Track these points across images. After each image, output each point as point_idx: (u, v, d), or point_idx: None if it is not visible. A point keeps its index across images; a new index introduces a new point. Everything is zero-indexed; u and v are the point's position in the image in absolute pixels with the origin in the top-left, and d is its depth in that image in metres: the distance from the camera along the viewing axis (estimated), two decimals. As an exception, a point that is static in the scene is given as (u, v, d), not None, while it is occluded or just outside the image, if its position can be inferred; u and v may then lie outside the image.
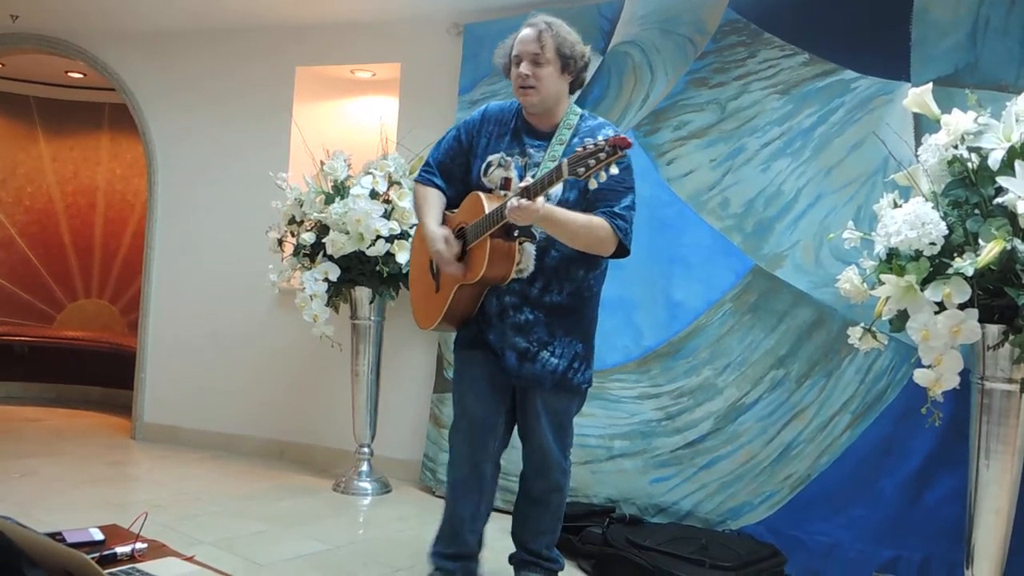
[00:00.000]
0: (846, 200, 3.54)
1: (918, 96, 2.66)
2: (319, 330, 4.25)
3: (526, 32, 2.73)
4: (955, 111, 2.51)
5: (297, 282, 4.39)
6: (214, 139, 5.40)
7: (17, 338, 6.65)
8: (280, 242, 4.53)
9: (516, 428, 2.93)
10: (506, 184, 2.65)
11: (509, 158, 2.72)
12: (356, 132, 5.31)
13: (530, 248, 2.65)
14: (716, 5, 3.93)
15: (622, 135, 2.31)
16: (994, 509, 2.51)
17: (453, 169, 2.88)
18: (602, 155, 2.30)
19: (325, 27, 5.10)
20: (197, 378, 5.36)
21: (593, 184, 2.35)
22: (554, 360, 2.73)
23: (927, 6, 3.42)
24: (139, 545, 2.28)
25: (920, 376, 2.42)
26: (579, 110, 2.81)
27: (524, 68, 2.69)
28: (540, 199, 2.44)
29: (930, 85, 2.66)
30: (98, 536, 2.34)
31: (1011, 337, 2.38)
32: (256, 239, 4.79)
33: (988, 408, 2.51)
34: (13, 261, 6.96)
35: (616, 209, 2.65)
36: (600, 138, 2.33)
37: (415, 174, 4.29)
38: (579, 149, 2.35)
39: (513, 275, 2.65)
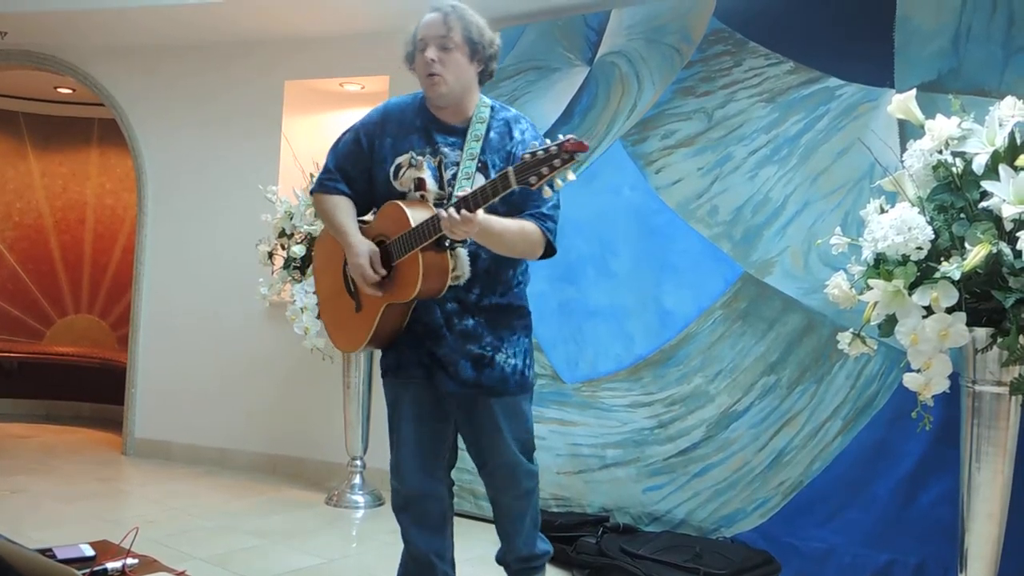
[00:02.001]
0: (833, 206, 3.55)
1: (902, 102, 2.67)
2: (310, 343, 4.25)
3: (431, 15, 2.52)
4: (939, 116, 2.53)
5: (288, 295, 4.39)
6: (203, 153, 5.40)
7: (7, 354, 6.63)
8: (270, 255, 4.53)
9: (469, 455, 2.73)
10: (420, 185, 2.44)
11: (420, 157, 2.48)
12: (345, 144, 5.31)
13: (463, 253, 2.45)
14: (701, 15, 3.95)
15: (577, 139, 2.11)
16: (986, 512, 2.51)
17: (355, 175, 2.64)
18: (556, 161, 2.12)
19: (313, 41, 5.11)
20: (188, 393, 5.34)
21: (548, 193, 2.18)
22: (512, 360, 2.57)
23: (910, 13, 3.44)
24: (130, 561, 2.28)
25: (909, 380, 2.42)
26: (489, 100, 2.61)
27: (431, 53, 2.48)
28: (480, 211, 2.26)
29: (914, 91, 2.67)
30: (89, 552, 2.34)
31: (999, 340, 2.38)
32: (246, 252, 4.79)
33: (978, 411, 2.51)
34: (2, 277, 6.95)
35: (544, 210, 2.49)
36: (549, 142, 2.14)
37: (310, 185, 4.28)
38: (526, 156, 2.16)
39: (449, 283, 2.45)
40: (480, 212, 2.26)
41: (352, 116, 5.44)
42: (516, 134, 2.56)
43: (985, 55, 3.28)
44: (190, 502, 4.32)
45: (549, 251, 2.55)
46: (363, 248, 2.50)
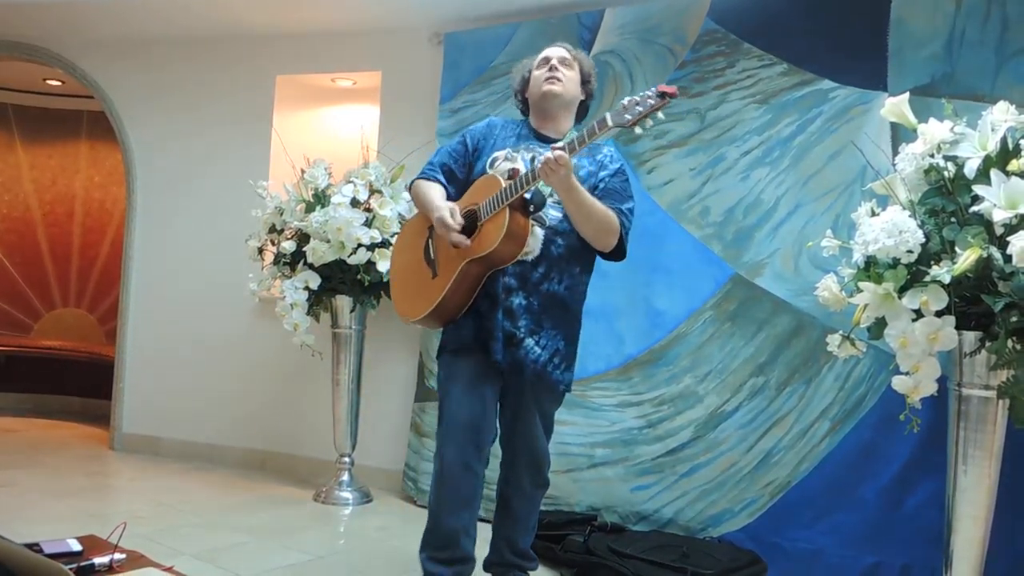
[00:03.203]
0: (824, 209, 3.57)
1: (895, 106, 2.68)
2: (300, 339, 4.24)
3: (557, 47, 2.93)
4: (932, 121, 2.54)
5: (277, 291, 4.38)
6: (194, 147, 5.38)
7: (-7, 348, 6.60)
8: (260, 251, 4.51)
9: (501, 442, 2.91)
10: (513, 174, 2.63)
11: (516, 153, 2.77)
12: (337, 141, 5.31)
13: (539, 232, 2.68)
14: (695, 15, 3.95)
15: (668, 85, 2.38)
16: (972, 515, 2.53)
17: (456, 170, 2.92)
18: (651, 101, 2.35)
19: (305, 36, 5.10)
20: (176, 388, 5.32)
21: (638, 131, 2.41)
22: (537, 349, 2.73)
23: (904, 17, 3.46)
24: (117, 556, 2.27)
25: (898, 383, 2.43)
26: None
27: (556, 62, 2.85)
28: (573, 159, 2.50)
29: (907, 95, 2.68)
30: (76, 547, 2.33)
31: (988, 344, 2.40)
32: (236, 248, 4.77)
33: (966, 414, 2.52)
34: (-10, 270, 6.91)
35: (623, 207, 2.74)
36: (647, 91, 2.39)
37: (396, 182, 4.33)
38: (623, 103, 2.40)
39: (520, 256, 2.64)
40: (573, 160, 2.50)
41: (344, 112, 5.50)
42: (605, 150, 2.87)
43: (978, 60, 3.30)
44: (178, 498, 4.31)
45: (620, 250, 2.77)
46: (444, 203, 2.74)
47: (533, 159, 2.71)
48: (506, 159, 2.75)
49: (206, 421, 5.25)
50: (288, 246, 4.29)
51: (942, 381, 2.45)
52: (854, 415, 3.44)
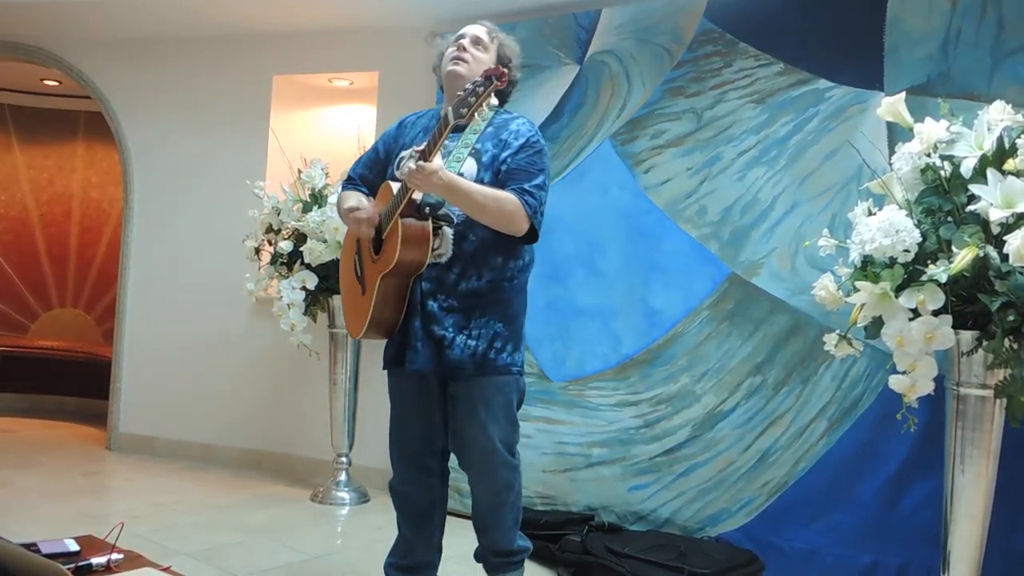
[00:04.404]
0: (821, 208, 3.57)
1: (891, 105, 2.68)
2: (297, 339, 4.24)
3: (477, 25, 2.81)
4: (928, 120, 2.54)
5: (274, 291, 4.38)
6: (191, 147, 5.37)
7: (-10, 348, 6.58)
8: (257, 251, 4.52)
9: (451, 446, 2.78)
10: None
11: (419, 149, 2.53)
12: (334, 140, 5.31)
13: (448, 232, 2.58)
14: (692, 15, 3.95)
15: (498, 67, 2.35)
16: (969, 514, 2.53)
17: (373, 179, 2.86)
18: (480, 89, 2.29)
19: (302, 35, 5.09)
20: (173, 388, 5.32)
21: (477, 122, 2.36)
22: (472, 342, 2.60)
23: (900, 16, 3.46)
24: (115, 556, 2.27)
25: (895, 382, 2.44)
26: (496, 106, 2.68)
27: (466, 42, 2.74)
28: (437, 159, 2.41)
29: (903, 94, 2.68)
30: (73, 547, 2.32)
31: (984, 343, 2.40)
32: (233, 248, 4.77)
33: (963, 414, 2.53)
34: (-13, 270, 6.90)
35: (526, 186, 2.59)
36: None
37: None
38: (459, 93, 2.35)
39: (430, 260, 2.55)
40: (437, 160, 2.41)
41: (341, 112, 5.50)
42: (512, 125, 2.72)
43: (974, 59, 3.30)
44: (175, 497, 4.31)
45: (532, 233, 2.62)
46: (359, 205, 2.71)
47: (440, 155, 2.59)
48: (410, 157, 2.52)
49: (204, 421, 5.25)
50: (285, 246, 4.29)
51: (939, 380, 2.46)
52: (851, 414, 3.44)
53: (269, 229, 4.45)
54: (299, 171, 4.43)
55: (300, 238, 4.27)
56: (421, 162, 2.38)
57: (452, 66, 2.72)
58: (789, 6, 3.74)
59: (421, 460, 2.78)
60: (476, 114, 2.33)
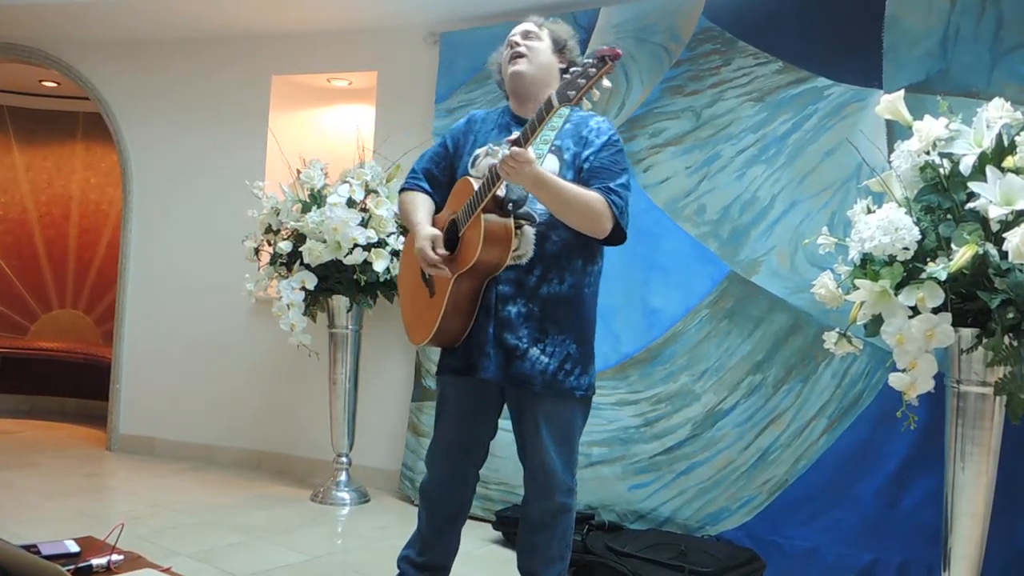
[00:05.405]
0: (820, 206, 3.57)
1: (890, 103, 2.68)
2: (296, 339, 4.23)
3: (524, 22, 2.72)
4: (927, 118, 2.54)
5: (274, 291, 4.37)
6: (190, 148, 5.37)
7: (-10, 350, 6.58)
8: (257, 251, 4.51)
9: (517, 451, 2.64)
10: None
11: (497, 147, 2.49)
12: (333, 141, 5.31)
13: (529, 232, 2.44)
14: (691, 14, 3.95)
15: (609, 46, 2.14)
16: (970, 512, 2.53)
17: (439, 175, 2.73)
18: (592, 71, 2.12)
19: (301, 36, 5.09)
20: (173, 388, 5.32)
21: (587, 106, 2.21)
22: (544, 359, 2.46)
23: (899, 14, 3.46)
24: (115, 557, 2.26)
25: (895, 380, 2.43)
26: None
27: (517, 38, 2.64)
28: (531, 150, 2.28)
29: (902, 92, 2.69)
30: (73, 548, 2.32)
31: (984, 340, 2.40)
32: (232, 248, 4.77)
33: (963, 411, 2.53)
34: (-14, 272, 6.90)
35: (611, 185, 2.46)
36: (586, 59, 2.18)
37: (392, 182, 4.32)
38: (566, 77, 2.19)
39: (510, 260, 2.41)
40: (531, 150, 2.29)
41: (340, 112, 5.50)
42: (592, 123, 2.59)
43: (973, 57, 3.30)
44: (175, 498, 4.30)
45: (618, 233, 2.49)
46: (425, 231, 2.55)
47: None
48: (487, 155, 2.51)
49: (203, 421, 5.25)
50: (284, 246, 4.29)
51: (939, 378, 2.46)
52: (851, 412, 3.44)
53: (268, 229, 4.44)
54: (298, 171, 4.42)
55: (299, 238, 4.27)
56: (516, 148, 2.25)
57: (513, 66, 2.61)
58: (788, 4, 3.74)
59: (462, 469, 2.68)
60: (584, 98, 2.16)
